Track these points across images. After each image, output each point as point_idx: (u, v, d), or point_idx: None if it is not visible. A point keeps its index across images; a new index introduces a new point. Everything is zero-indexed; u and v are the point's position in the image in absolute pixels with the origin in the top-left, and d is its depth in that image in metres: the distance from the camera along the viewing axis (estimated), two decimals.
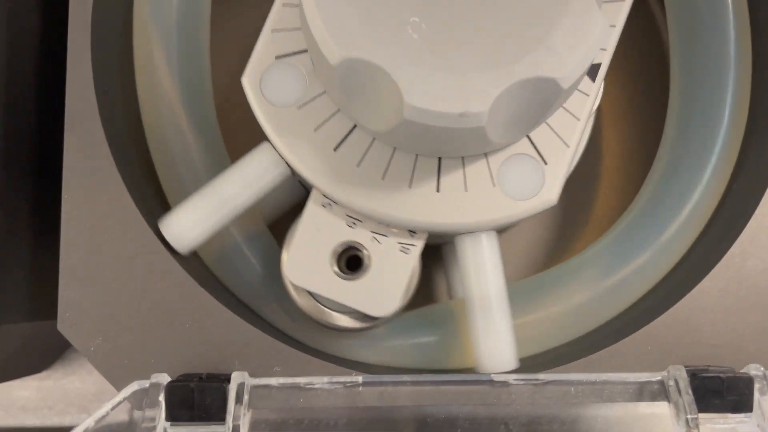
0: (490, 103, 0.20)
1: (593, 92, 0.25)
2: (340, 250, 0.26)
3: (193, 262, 0.28)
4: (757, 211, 0.26)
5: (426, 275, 0.30)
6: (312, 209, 0.25)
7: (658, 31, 0.35)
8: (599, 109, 0.34)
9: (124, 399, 0.23)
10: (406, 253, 0.25)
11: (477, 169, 0.25)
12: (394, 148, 0.25)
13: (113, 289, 0.25)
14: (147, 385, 0.23)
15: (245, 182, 0.26)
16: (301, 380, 0.23)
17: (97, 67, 0.26)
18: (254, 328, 0.25)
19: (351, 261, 0.26)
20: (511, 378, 0.23)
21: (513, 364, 0.25)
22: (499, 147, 0.25)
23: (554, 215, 0.34)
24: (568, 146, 0.25)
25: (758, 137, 0.28)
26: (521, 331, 0.27)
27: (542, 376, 0.23)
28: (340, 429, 0.23)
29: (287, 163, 0.25)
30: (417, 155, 0.25)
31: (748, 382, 0.22)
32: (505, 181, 0.25)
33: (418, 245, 0.26)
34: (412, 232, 0.25)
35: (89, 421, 0.22)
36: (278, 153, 0.25)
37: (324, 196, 0.25)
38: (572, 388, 0.23)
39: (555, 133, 0.25)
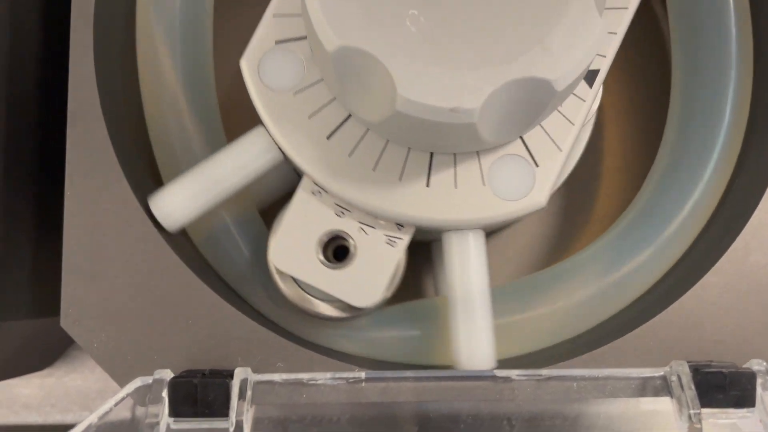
0: (483, 99, 0.21)
1: (590, 98, 0.25)
2: (326, 238, 0.26)
3: (195, 257, 0.28)
4: (759, 207, 0.26)
5: (415, 272, 0.30)
6: (301, 196, 0.26)
7: (660, 30, 0.35)
8: (600, 108, 0.34)
9: (127, 395, 0.23)
10: (392, 246, 0.26)
11: (468, 167, 0.25)
12: (387, 141, 0.25)
13: (116, 286, 0.25)
14: (150, 381, 0.23)
15: (237, 164, 0.26)
16: (303, 376, 0.23)
17: (100, 62, 0.26)
18: (257, 324, 0.25)
19: (338, 251, 0.26)
20: (514, 374, 0.23)
21: (490, 363, 0.25)
22: (492, 146, 0.25)
23: (556, 213, 0.34)
24: (560, 150, 0.25)
25: (759, 135, 0.28)
26: (524, 328, 0.28)
27: (545, 372, 0.23)
28: (342, 425, 0.23)
29: (280, 148, 0.25)
30: (409, 149, 0.25)
31: (750, 377, 0.22)
32: (495, 180, 0.25)
33: (405, 239, 0.26)
34: (399, 226, 0.26)
35: (92, 417, 0.22)
36: (272, 137, 0.25)
37: (314, 183, 0.25)
38: (575, 384, 0.23)
39: (549, 136, 0.25)
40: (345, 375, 0.23)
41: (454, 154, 0.25)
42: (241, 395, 0.23)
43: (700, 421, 0.22)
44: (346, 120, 0.25)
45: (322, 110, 0.25)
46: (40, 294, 0.29)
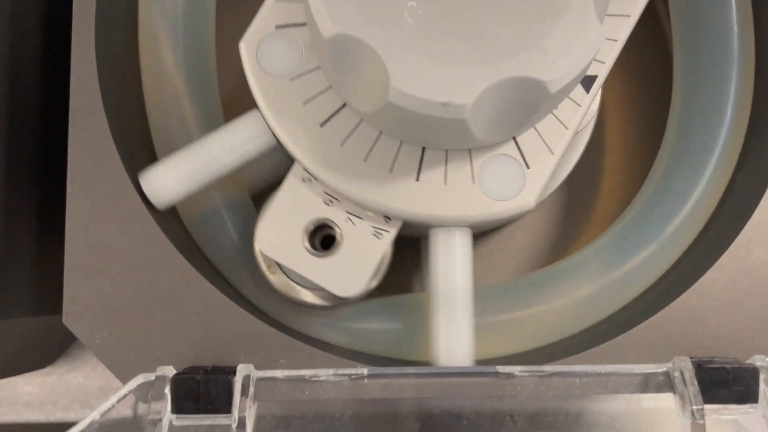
0: (475, 96, 0.21)
1: (585, 103, 0.25)
2: (312, 227, 0.26)
3: (196, 254, 0.28)
4: (761, 204, 0.26)
5: (403, 268, 0.30)
6: (291, 182, 0.26)
7: (662, 28, 0.35)
8: (602, 106, 0.34)
9: (130, 392, 0.23)
10: (379, 238, 0.26)
11: (459, 164, 0.25)
12: (380, 132, 0.25)
13: (118, 283, 0.25)
14: (152, 377, 0.23)
15: (230, 146, 0.26)
16: (306, 372, 0.23)
17: (101, 59, 0.26)
18: (259, 321, 0.25)
19: (326, 240, 0.26)
20: (517, 370, 0.23)
21: (468, 361, 0.25)
22: (483, 144, 0.25)
23: (558, 211, 0.34)
24: (553, 153, 0.25)
25: (761, 133, 0.28)
26: (527, 325, 0.28)
27: (547, 368, 0.23)
28: (345, 421, 0.23)
29: (273, 133, 0.25)
30: (401, 142, 0.25)
31: (753, 372, 0.22)
32: (485, 179, 0.25)
33: (392, 232, 0.26)
34: (387, 218, 0.26)
35: (95, 414, 0.22)
36: (266, 122, 0.25)
37: (305, 170, 0.25)
38: (577, 380, 0.23)
39: (542, 139, 0.25)
40: (347, 371, 0.23)
41: (446, 151, 0.25)
42: (244, 392, 0.23)
43: (703, 417, 0.22)
44: (340, 109, 0.25)
45: (317, 98, 0.25)
46: (41, 292, 0.29)
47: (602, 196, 0.35)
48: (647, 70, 0.35)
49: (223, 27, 0.30)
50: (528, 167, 0.25)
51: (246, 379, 0.23)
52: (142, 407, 0.23)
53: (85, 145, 0.26)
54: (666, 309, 0.25)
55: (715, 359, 0.23)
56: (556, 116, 0.25)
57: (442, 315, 0.25)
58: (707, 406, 0.22)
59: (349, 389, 0.23)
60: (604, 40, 0.21)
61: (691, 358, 0.23)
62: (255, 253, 0.27)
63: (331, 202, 0.26)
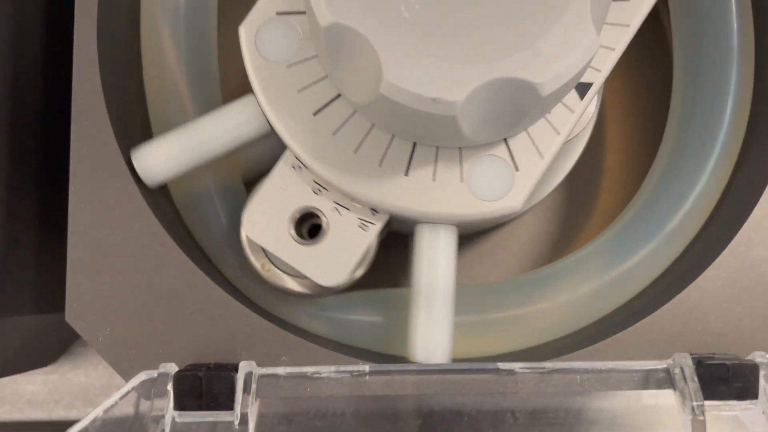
0: (466, 94, 0.21)
1: (579, 110, 0.25)
2: (298, 214, 0.26)
3: (197, 253, 0.28)
4: (761, 202, 0.26)
5: (391, 265, 0.30)
6: (281, 168, 0.26)
7: (662, 28, 0.35)
8: (602, 105, 0.34)
9: (132, 389, 0.23)
10: (364, 230, 0.26)
11: (448, 162, 0.25)
12: (372, 125, 0.25)
13: (121, 280, 0.25)
14: (155, 374, 0.23)
15: (223, 129, 0.26)
16: (307, 369, 0.23)
17: (104, 57, 0.26)
18: (261, 318, 0.25)
19: (313, 230, 0.27)
20: (517, 366, 0.23)
21: (445, 358, 0.25)
22: (473, 144, 0.25)
23: (559, 209, 0.34)
24: (543, 158, 0.25)
25: (760, 132, 0.28)
26: (528, 322, 0.28)
27: (548, 365, 0.23)
28: (346, 418, 0.23)
29: (267, 119, 0.25)
30: (393, 136, 0.25)
31: (753, 369, 0.22)
32: (474, 179, 0.25)
33: (378, 225, 0.26)
34: (374, 211, 0.26)
35: (98, 411, 0.22)
36: (260, 107, 0.25)
37: (296, 158, 0.25)
38: (578, 377, 0.23)
39: (533, 142, 0.25)
40: (349, 368, 0.23)
41: (437, 148, 0.25)
42: (246, 388, 0.23)
43: (703, 413, 0.22)
44: (334, 99, 0.25)
45: (312, 86, 0.25)
46: (43, 290, 0.29)
47: (602, 194, 0.35)
48: (647, 70, 0.35)
49: (227, 28, 0.30)
50: (517, 169, 0.25)
51: (248, 376, 0.23)
52: (145, 404, 0.23)
53: (88, 144, 0.26)
54: (666, 306, 0.25)
55: (715, 356, 0.24)
56: (548, 121, 0.25)
57: (422, 311, 0.25)
58: (707, 403, 0.22)
59: (350, 386, 0.23)
60: (598, 47, 0.21)
61: (691, 354, 0.23)
62: (241, 238, 0.27)
63: (320, 191, 0.26)
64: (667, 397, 0.23)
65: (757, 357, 0.23)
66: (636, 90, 0.35)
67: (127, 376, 0.24)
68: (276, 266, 0.27)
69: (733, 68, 0.28)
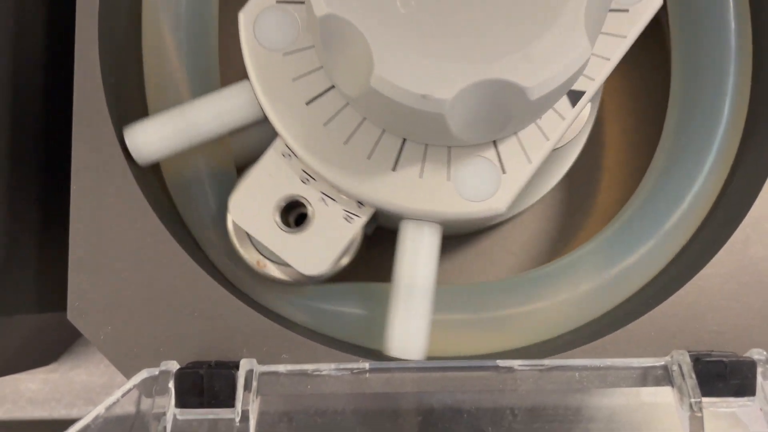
0: (454, 93, 0.21)
1: (570, 117, 0.25)
2: (284, 202, 0.26)
3: (198, 253, 0.28)
4: (758, 200, 0.26)
5: (378, 260, 0.30)
6: (271, 155, 0.26)
7: (661, 28, 0.35)
8: (601, 103, 0.34)
9: (134, 386, 0.23)
10: (349, 222, 0.26)
11: (436, 160, 0.25)
12: (363, 118, 0.25)
13: (122, 279, 0.25)
14: (156, 372, 0.23)
15: (217, 113, 0.26)
16: (308, 367, 0.23)
17: (105, 57, 0.26)
18: (262, 316, 0.25)
19: (299, 220, 0.27)
20: (516, 364, 0.23)
21: (420, 355, 0.25)
22: (461, 143, 0.25)
23: (558, 208, 0.34)
24: (530, 162, 0.25)
25: (758, 131, 0.28)
26: (527, 320, 0.28)
27: (547, 362, 0.23)
28: (347, 415, 0.23)
29: (260, 105, 0.25)
30: (383, 131, 0.25)
31: (750, 366, 0.23)
32: (460, 178, 0.25)
33: (363, 218, 0.26)
34: (360, 204, 0.26)
35: (99, 408, 0.22)
36: (254, 93, 0.25)
37: (286, 146, 0.25)
38: (577, 374, 0.23)
39: (522, 146, 0.25)
40: (349, 366, 0.23)
41: (426, 145, 0.25)
42: (247, 386, 0.23)
43: (701, 409, 0.22)
44: (328, 90, 0.25)
45: (307, 76, 0.25)
46: (44, 289, 0.29)
47: (601, 193, 0.35)
48: (646, 70, 0.35)
49: (228, 28, 0.30)
50: (504, 172, 0.25)
51: (249, 374, 0.23)
52: (146, 402, 0.23)
53: (89, 142, 0.26)
54: (664, 304, 0.25)
55: (713, 353, 0.24)
56: (539, 126, 0.25)
57: (401, 306, 0.25)
58: (705, 399, 0.22)
59: (350, 383, 0.23)
60: (590, 55, 0.22)
61: (689, 351, 0.23)
62: (227, 222, 0.27)
63: (308, 180, 0.26)
64: (665, 394, 0.23)
65: (755, 354, 0.23)
66: (634, 90, 0.35)
67: (128, 374, 0.24)
68: (260, 252, 0.27)
69: (730, 69, 0.28)
